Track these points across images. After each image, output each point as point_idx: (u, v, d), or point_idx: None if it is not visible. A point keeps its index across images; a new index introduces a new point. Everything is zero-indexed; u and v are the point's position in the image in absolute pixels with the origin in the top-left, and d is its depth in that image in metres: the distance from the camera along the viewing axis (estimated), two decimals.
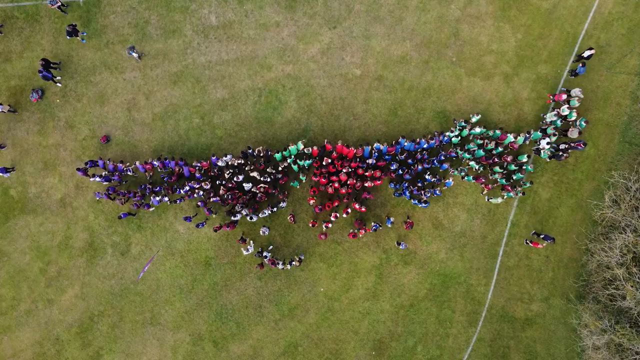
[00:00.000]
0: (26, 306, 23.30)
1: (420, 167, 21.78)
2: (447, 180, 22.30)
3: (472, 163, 22.12)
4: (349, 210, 22.23)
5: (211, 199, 22.07)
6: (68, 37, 22.25)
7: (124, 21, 23.14)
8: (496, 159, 22.02)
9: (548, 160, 22.74)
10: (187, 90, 23.17)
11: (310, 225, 22.50)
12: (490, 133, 22.13)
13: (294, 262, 22.30)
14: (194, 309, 23.44)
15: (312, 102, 23.14)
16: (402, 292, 23.42)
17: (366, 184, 21.72)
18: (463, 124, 21.98)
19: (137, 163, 22.12)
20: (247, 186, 22.02)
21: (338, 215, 22.45)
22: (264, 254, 22.35)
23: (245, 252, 22.13)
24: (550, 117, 21.94)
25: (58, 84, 22.85)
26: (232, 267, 23.36)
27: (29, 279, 23.31)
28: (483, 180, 22.56)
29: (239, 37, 23.08)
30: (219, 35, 23.19)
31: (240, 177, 21.81)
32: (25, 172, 23.19)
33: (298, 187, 22.96)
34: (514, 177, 22.24)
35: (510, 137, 21.75)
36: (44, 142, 23.16)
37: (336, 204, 22.56)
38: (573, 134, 22.10)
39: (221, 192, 21.86)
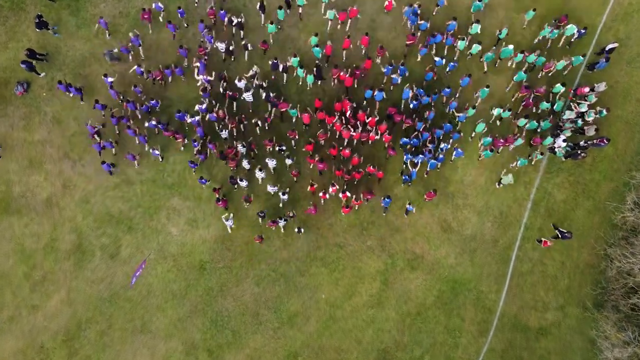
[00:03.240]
0: (9, 312, 21.91)
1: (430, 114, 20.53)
2: (458, 150, 20.92)
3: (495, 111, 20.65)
4: (348, 194, 20.91)
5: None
6: (37, 29, 20.96)
7: (114, 10, 21.88)
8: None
9: (564, 159, 21.41)
10: (181, 84, 21.84)
11: (309, 190, 21.16)
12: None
13: (290, 216, 21.16)
14: (188, 316, 22.07)
15: (312, 98, 21.75)
16: (409, 299, 22.06)
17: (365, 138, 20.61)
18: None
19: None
20: (246, 96, 20.79)
21: (337, 188, 20.98)
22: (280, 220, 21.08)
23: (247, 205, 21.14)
24: (568, 115, 20.63)
25: (41, 75, 21.55)
26: (228, 272, 22.01)
27: (12, 284, 21.93)
28: (501, 141, 20.73)
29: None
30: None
31: (242, 83, 20.57)
32: (9, 170, 21.85)
33: (297, 115, 21.18)
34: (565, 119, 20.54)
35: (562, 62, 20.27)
36: (30, 138, 21.84)
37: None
38: (590, 131, 20.82)
39: (220, 114, 20.59)
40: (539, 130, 20.95)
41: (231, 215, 21.13)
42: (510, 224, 21.97)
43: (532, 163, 21.49)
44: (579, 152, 20.95)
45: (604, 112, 20.10)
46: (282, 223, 21.14)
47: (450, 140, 20.92)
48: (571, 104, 20.87)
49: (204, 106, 20.77)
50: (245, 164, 21.08)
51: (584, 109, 20.52)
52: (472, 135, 21.69)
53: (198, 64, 20.69)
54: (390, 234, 22.01)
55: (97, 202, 21.98)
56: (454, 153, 21.14)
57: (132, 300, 22.08)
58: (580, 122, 20.46)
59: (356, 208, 21.91)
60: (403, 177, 21.32)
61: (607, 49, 20.38)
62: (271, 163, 21.09)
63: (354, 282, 22.04)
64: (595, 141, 20.30)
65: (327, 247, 22.03)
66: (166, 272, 22.07)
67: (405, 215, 21.82)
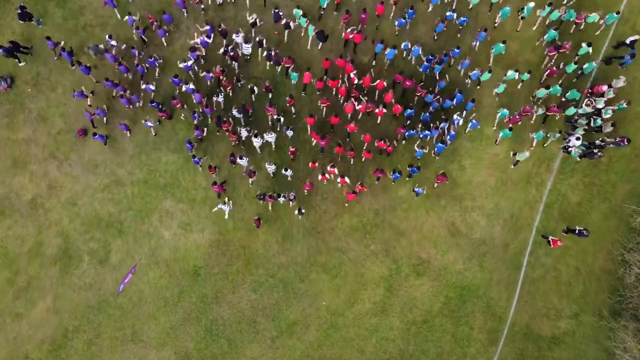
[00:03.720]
0: None
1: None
2: (474, 121, 19.53)
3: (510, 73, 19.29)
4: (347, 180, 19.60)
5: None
6: (21, 21, 19.75)
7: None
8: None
9: (578, 159, 20.23)
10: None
11: (310, 166, 19.92)
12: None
13: (290, 198, 19.84)
14: (181, 325, 20.89)
15: (313, 90, 20.58)
16: (414, 306, 20.90)
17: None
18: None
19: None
20: (245, 48, 19.60)
21: (336, 171, 19.76)
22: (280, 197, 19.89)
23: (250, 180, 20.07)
24: (584, 110, 19.46)
25: (21, 63, 20.40)
26: (224, 278, 20.83)
27: None
28: (518, 117, 19.49)
29: (233, 20, 20.57)
30: (212, 18, 20.68)
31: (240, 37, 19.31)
32: None
33: (296, 81, 19.99)
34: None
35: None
36: (13, 136, 20.63)
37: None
38: (606, 127, 19.65)
39: (217, 70, 19.48)
40: (563, 99, 19.61)
41: (226, 199, 19.90)
42: (521, 228, 20.80)
43: (546, 144, 20.19)
44: (595, 151, 19.76)
45: (624, 104, 18.85)
46: (281, 200, 19.90)
47: (464, 112, 19.49)
48: (587, 100, 19.68)
49: (189, 63, 19.52)
50: (243, 132, 19.66)
51: (600, 105, 19.35)
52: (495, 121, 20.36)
53: (207, 26, 19.46)
54: (395, 238, 20.83)
55: (85, 204, 20.78)
56: (469, 125, 19.71)
57: (122, 308, 20.90)
58: (599, 120, 19.23)
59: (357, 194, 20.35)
60: (411, 170, 19.74)
61: (627, 42, 19.17)
62: (271, 137, 19.76)
63: (357, 289, 20.87)
64: (616, 139, 19.10)
65: (328, 252, 20.86)
66: (158, 278, 20.89)
67: (416, 197, 20.49)
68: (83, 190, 20.75)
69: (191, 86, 19.47)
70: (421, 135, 19.78)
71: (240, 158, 19.67)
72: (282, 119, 19.90)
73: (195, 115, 19.78)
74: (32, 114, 20.72)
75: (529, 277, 20.84)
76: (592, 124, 19.52)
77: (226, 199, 19.99)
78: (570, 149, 19.84)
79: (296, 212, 20.19)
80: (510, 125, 19.59)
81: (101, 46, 19.73)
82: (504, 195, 20.74)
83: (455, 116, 19.48)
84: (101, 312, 20.88)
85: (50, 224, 20.83)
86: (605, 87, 19.29)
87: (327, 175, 19.95)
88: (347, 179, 19.52)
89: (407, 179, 20.50)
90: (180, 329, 20.87)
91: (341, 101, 20.16)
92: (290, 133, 19.84)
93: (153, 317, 20.91)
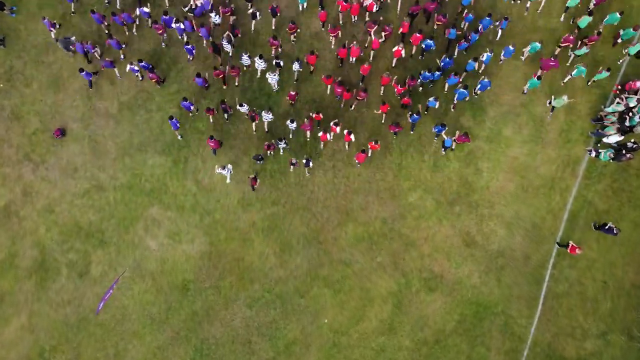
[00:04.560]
0: None
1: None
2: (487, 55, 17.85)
3: None
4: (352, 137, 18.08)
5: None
6: None
7: None
8: None
9: (611, 161, 18.26)
10: (162, 73, 18.76)
11: (314, 117, 18.17)
12: None
13: (292, 163, 18.18)
14: (169, 344, 18.98)
15: (315, 90, 18.91)
16: (426, 324, 18.98)
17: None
18: None
19: None
20: None
21: (337, 130, 18.05)
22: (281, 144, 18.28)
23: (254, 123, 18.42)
24: (614, 108, 17.58)
25: None
26: (216, 293, 18.93)
27: None
28: (552, 60, 17.71)
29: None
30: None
31: None
32: None
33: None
34: None
35: None
36: None
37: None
38: (638, 129, 17.80)
39: None
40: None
41: (229, 165, 18.14)
42: (543, 238, 18.88)
43: (590, 82, 18.34)
44: (624, 152, 17.86)
45: None
46: (282, 145, 18.20)
47: (488, 55, 17.79)
48: (617, 97, 17.83)
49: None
50: (245, 59, 17.96)
51: (632, 103, 17.48)
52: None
53: None
54: (405, 249, 18.93)
55: (63, 211, 18.91)
56: (478, 86, 18.04)
57: (104, 326, 18.99)
58: (637, 118, 17.32)
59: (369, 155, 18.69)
60: (436, 130, 18.02)
61: None
62: (273, 79, 18.07)
63: (362, 305, 18.97)
64: None
65: (331, 265, 18.95)
66: (144, 292, 18.99)
67: (443, 152, 18.69)
68: (61, 196, 18.90)
69: (181, 26, 17.80)
70: (448, 82, 18.16)
71: (241, 105, 17.74)
72: (281, 63, 18.21)
73: (189, 47, 17.90)
74: (5, 112, 18.94)
75: (551, 293, 18.93)
76: (626, 123, 17.60)
77: (228, 165, 18.09)
78: (600, 153, 17.94)
79: (304, 161, 18.18)
80: (539, 74, 17.72)
81: (72, 38, 17.87)
82: (525, 202, 18.84)
83: (484, 55, 17.68)
84: (81, 330, 18.98)
85: (25, 234, 18.96)
86: (639, 84, 17.41)
87: (328, 135, 18.05)
88: (352, 136, 17.89)
89: (426, 112, 18.89)
90: (168, 349, 18.96)
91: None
92: (297, 67, 18.08)
93: (138, 335, 19.00)
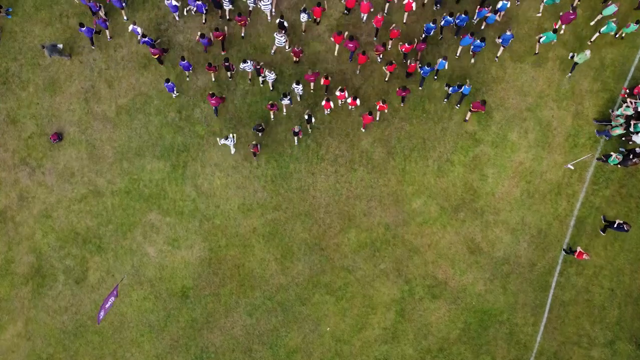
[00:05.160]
0: None
1: None
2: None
3: None
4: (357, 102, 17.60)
5: None
6: None
7: None
8: None
9: (619, 166, 17.89)
10: (161, 77, 18.42)
11: (322, 83, 17.65)
12: None
13: (295, 131, 17.59)
14: (167, 352, 18.67)
15: (317, 93, 18.38)
16: (429, 333, 18.63)
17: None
18: None
19: None
20: None
21: (346, 95, 17.48)
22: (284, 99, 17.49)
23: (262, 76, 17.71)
24: (622, 111, 17.18)
25: None
26: (216, 300, 18.58)
27: None
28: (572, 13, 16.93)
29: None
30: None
31: None
32: None
33: None
34: None
35: None
36: None
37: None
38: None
39: None
40: None
41: (231, 134, 17.70)
42: (550, 245, 18.51)
43: (621, 34, 17.62)
44: (631, 157, 17.47)
45: None
46: (286, 102, 17.64)
47: (504, 2, 16.97)
48: (625, 102, 17.44)
49: None
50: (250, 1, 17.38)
51: None
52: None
53: None
54: (408, 255, 18.56)
55: (60, 217, 18.55)
56: (500, 38, 17.21)
57: (102, 334, 18.67)
58: None
59: (377, 118, 18.25)
60: (450, 90, 17.46)
61: None
62: (280, 40, 17.47)
63: (365, 313, 18.61)
64: None
65: (333, 272, 18.59)
66: (142, 300, 18.65)
67: (457, 106, 18.25)
68: (58, 201, 18.54)
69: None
70: (461, 44, 17.42)
71: (243, 62, 17.19)
72: (285, 23, 17.59)
73: (199, 3, 17.29)
74: (1, 115, 18.57)
75: (558, 300, 18.57)
76: (631, 129, 17.23)
77: (230, 135, 17.64)
78: (611, 156, 17.46)
79: (305, 116, 17.64)
80: (556, 26, 17.21)
81: (60, 46, 17.49)
82: (531, 208, 18.46)
83: (501, 2, 16.97)
84: (78, 337, 18.67)
85: (21, 239, 18.62)
86: None
87: (330, 103, 17.59)
88: (357, 101, 17.49)
89: (435, 78, 18.42)
90: (167, 358, 18.64)
91: None
92: (304, 17, 17.34)
93: (136, 343, 18.67)
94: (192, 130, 18.44)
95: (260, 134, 18.16)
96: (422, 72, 17.38)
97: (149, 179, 18.50)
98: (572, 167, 17.88)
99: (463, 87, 17.23)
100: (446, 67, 17.47)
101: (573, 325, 18.61)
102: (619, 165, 17.81)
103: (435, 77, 18.33)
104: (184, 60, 17.36)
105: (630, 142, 17.76)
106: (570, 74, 18.08)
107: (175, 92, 18.09)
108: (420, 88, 18.30)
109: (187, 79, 18.35)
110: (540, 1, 17.94)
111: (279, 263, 18.58)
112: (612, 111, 18.00)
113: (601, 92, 18.30)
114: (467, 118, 18.18)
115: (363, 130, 18.36)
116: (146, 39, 17.19)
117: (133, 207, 18.54)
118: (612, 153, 17.45)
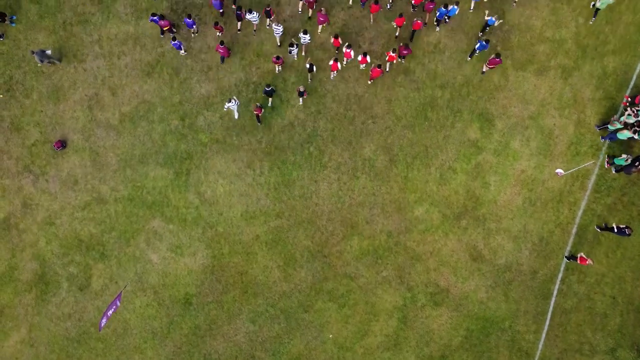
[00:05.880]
0: None
1: None
2: None
3: None
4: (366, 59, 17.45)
5: None
6: None
7: None
8: None
9: (614, 172, 17.99)
10: (164, 85, 18.49)
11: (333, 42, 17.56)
12: None
13: (301, 91, 17.50)
14: (171, 359, 18.69)
15: (320, 101, 18.46)
16: (431, 340, 18.68)
17: None
18: None
19: None
20: None
21: (352, 53, 17.47)
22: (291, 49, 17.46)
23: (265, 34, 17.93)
24: (625, 119, 17.24)
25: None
26: (219, 307, 18.63)
27: None
28: None
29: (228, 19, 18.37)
30: (204, 15, 18.48)
31: None
32: None
33: None
34: None
35: None
36: None
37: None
38: None
39: None
40: None
41: (234, 97, 17.74)
42: (552, 253, 18.56)
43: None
44: (636, 164, 17.50)
45: None
46: (294, 50, 17.53)
47: None
48: (627, 110, 17.48)
49: None
50: None
51: None
52: None
53: None
54: (410, 263, 18.61)
55: (64, 224, 18.59)
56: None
57: (105, 341, 18.71)
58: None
59: (387, 70, 18.20)
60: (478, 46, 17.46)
61: None
62: (278, 30, 17.48)
63: (367, 320, 18.66)
64: None
65: (336, 279, 18.63)
66: (145, 306, 18.69)
67: (469, 59, 18.27)
68: (61, 208, 18.58)
69: None
70: None
71: (249, 12, 17.15)
72: None
73: None
74: (5, 123, 18.57)
75: (559, 308, 18.61)
76: (636, 136, 17.25)
77: (234, 98, 17.69)
78: (620, 157, 17.43)
79: (307, 66, 17.61)
80: None
81: (48, 51, 17.56)
82: (533, 216, 18.52)
83: None
84: (82, 344, 18.70)
85: (24, 246, 18.65)
86: None
87: (338, 64, 17.47)
88: (368, 58, 17.37)
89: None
90: None
91: None
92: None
93: (139, 350, 18.72)
94: (195, 138, 18.49)
95: (270, 98, 18.08)
96: (437, 13, 17.42)
97: (152, 187, 18.55)
98: (562, 173, 17.87)
99: (489, 19, 17.31)
100: (456, 14, 17.60)
101: (575, 333, 18.65)
102: (617, 172, 17.87)
103: (447, 20, 18.25)
104: (189, 18, 17.39)
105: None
106: (593, 19, 18.07)
107: (183, 49, 18.10)
108: (437, 29, 18.35)
109: (193, 35, 18.37)
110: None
111: (281, 270, 18.63)
112: (613, 118, 18.05)
113: (603, 100, 18.37)
114: (484, 70, 18.13)
115: (369, 82, 18.25)
116: (155, 17, 17.27)
117: (136, 215, 18.58)
118: (623, 154, 17.44)
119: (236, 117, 18.28)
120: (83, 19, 18.44)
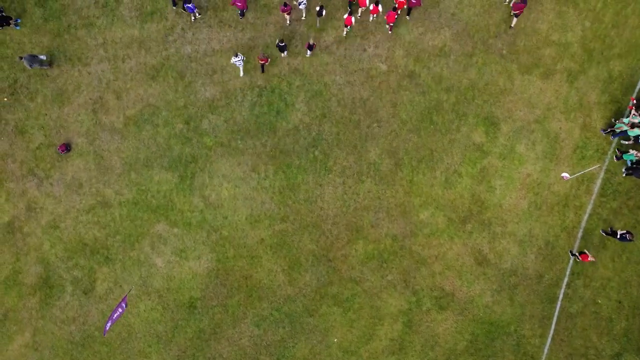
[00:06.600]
0: None
1: None
2: None
3: None
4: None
5: None
6: None
7: (89, 0, 18.39)
8: None
9: (624, 175, 17.91)
10: (169, 88, 18.45)
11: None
12: None
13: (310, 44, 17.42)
14: None
15: (325, 104, 18.42)
16: (436, 344, 18.65)
17: None
18: None
19: None
20: None
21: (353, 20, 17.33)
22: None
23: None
24: (630, 120, 17.17)
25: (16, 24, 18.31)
26: (223, 311, 18.60)
27: None
28: None
29: (234, 22, 18.32)
30: (209, 19, 18.43)
31: None
32: None
33: None
34: None
35: None
36: None
37: None
38: None
39: None
40: None
41: (239, 53, 17.55)
42: (557, 257, 18.51)
43: None
44: None
45: None
46: (302, 5, 17.37)
47: None
48: (633, 111, 17.43)
49: None
50: None
51: None
52: None
53: None
54: (415, 267, 18.57)
55: (68, 227, 18.57)
56: None
57: (110, 344, 18.69)
58: None
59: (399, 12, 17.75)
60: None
61: None
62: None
63: (372, 324, 18.63)
64: None
65: (341, 283, 18.60)
66: (150, 310, 18.67)
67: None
68: (66, 212, 18.55)
69: None
70: None
71: None
72: None
73: None
74: (9, 126, 18.53)
75: (565, 312, 18.58)
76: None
77: (239, 54, 17.54)
78: (629, 153, 17.36)
79: (317, 9, 17.33)
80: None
81: (42, 57, 17.55)
82: (538, 220, 18.47)
83: None
84: (86, 348, 18.69)
85: (29, 250, 18.63)
86: None
87: (353, 18, 17.34)
88: (380, 7, 17.19)
89: None
90: None
91: None
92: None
93: (144, 354, 18.70)
94: (200, 142, 18.45)
95: (284, 53, 17.94)
96: None
97: (156, 190, 18.52)
98: (568, 177, 17.75)
99: None
100: None
101: (580, 337, 18.61)
102: (632, 174, 17.77)
103: None
104: (189, 3, 17.33)
105: None
106: None
107: (197, 13, 17.96)
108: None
109: (193, 19, 18.28)
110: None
111: (286, 274, 18.59)
112: (618, 121, 17.96)
113: (609, 104, 18.30)
114: (512, 25, 18.00)
115: (390, 33, 18.07)
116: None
117: (141, 218, 18.55)
118: (631, 150, 17.36)
119: (241, 74, 18.18)
120: (88, 22, 18.39)
